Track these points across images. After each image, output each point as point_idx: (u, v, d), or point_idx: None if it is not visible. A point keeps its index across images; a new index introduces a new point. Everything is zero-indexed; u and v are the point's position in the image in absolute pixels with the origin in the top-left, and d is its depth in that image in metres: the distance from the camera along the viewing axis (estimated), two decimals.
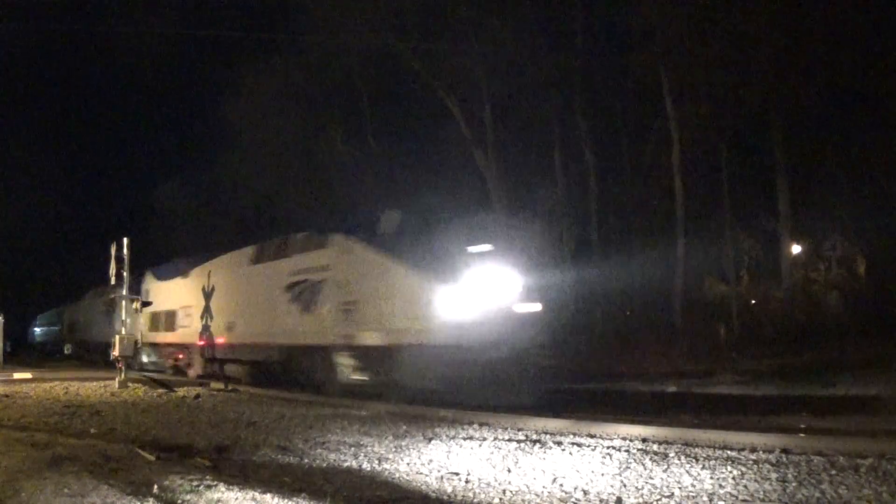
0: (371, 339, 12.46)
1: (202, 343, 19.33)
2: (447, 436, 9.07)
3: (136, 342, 17.42)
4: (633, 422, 9.57)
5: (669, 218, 25.25)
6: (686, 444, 7.99)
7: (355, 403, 13.19)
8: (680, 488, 6.04)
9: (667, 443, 8.11)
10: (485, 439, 8.73)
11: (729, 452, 7.43)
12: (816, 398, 12.17)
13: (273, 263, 16.32)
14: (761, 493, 5.81)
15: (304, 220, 32.63)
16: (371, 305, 12.52)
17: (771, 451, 7.33)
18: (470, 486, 6.36)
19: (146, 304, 21.54)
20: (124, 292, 18.27)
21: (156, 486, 5.70)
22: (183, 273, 21.75)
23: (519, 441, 8.52)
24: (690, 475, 6.46)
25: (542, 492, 6.09)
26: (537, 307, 12.66)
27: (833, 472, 6.38)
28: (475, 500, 5.88)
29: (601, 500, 5.78)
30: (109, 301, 26.77)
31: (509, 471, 6.92)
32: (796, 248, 26.20)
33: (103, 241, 19.39)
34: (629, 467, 6.89)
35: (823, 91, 20.79)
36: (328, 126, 31.02)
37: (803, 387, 13.68)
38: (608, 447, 7.92)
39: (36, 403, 12.64)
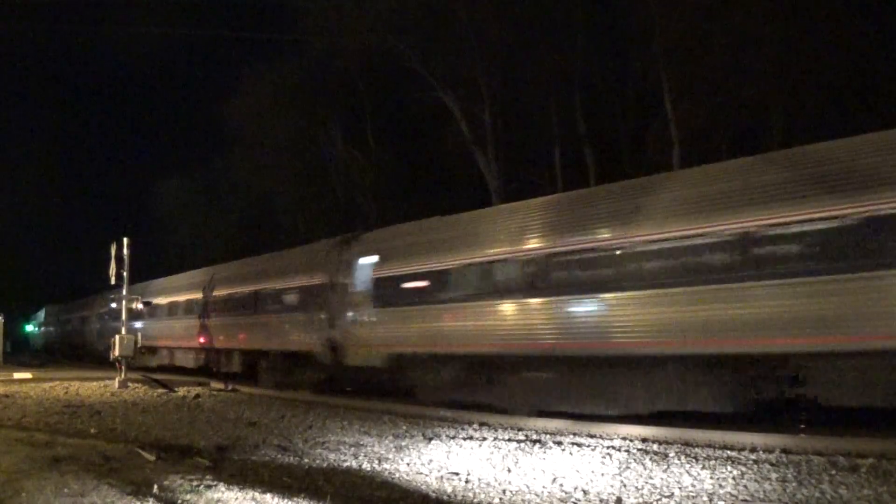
0: None
1: None
2: (447, 436, 9.07)
3: (135, 342, 17.34)
4: (633, 422, 9.57)
5: None
6: (686, 444, 8.00)
7: (354, 402, 13.21)
8: (680, 488, 6.04)
9: (667, 443, 8.12)
10: (485, 439, 8.73)
11: (729, 452, 7.44)
12: None
13: None
14: (761, 493, 5.81)
15: (303, 220, 32.77)
16: None
17: (771, 451, 7.34)
18: (470, 486, 6.36)
19: (146, 303, 21.34)
20: (124, 292, 18.26)
21: (156, 486, 5.70)
22: None
23: (519, 441, 8.52)
24: (690, 475, 6.46)
25: (542, 492, 6.09)
26: None
27: (833, 472, 6.39)
28: (475, 500, 5.88)
29: (601, 500, 5.78)
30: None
31: (509, 471, 6.92)
32: None
33: (104, 240, 18.72)
34: (629, 467, 6.89)
35: (823, 91, 20.77)
36: (328, 126, 31.05)
37: None
38: (608, 447, 7.92)
39: (36, 403, 12.63)
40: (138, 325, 25.62)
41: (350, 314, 14.40)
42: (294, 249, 19.29)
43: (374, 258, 14.15)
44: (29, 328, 58.98)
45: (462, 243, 12.40)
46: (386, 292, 13.49)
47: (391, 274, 13.50)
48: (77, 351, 35.99)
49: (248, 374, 18.61)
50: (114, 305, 26.75)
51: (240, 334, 19.00)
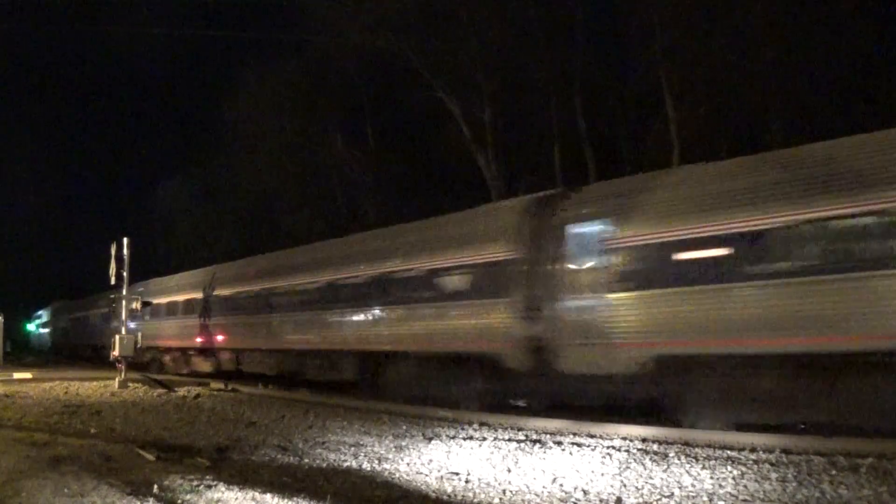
0: None
1: None
2: (447, 436, 9.07)
3: (135, 342, 17.33)
4: (632, 422, 9.56)
5: None
6: (686, 444, 7.99)
7: (354, 402, 13.20)
8: (680, 488, 6.04)
9: (667, 443, 8.11)
10: (485, 439, 8.73)
11: (729, 452, 7.43)
12: None
13: None
14: (761, 493, 5.81)
15: (304, 220, 32.75)
16: None
17: (771, 451, 7.34)
18: (470, 486, 6.35)
19: (146, 303, 21.30)
20: (124, 292, 18.25)
21: (156, 486, 5.70)
22: None
23: (519, 441, 8.52)
24: (690, 475, 6.46)
25: (542, 492, 6.09)
26: None
27: (833, 472, 6.39)
28: (475, 500, 5.87)
29: (601, 500, 5.78)
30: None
31: (509, 471, 6.92)
32: None
33: (104, 240, 18.58)
34: (629, 467, 6.89)
35: (823, 91, 20.80)
36: (328, 126, 31.10)
37: None
38: (608, 447, 7.91)
39: (36, 403, 12.64)
40: (190, 323, 22.30)
41: (569, 301, 10.56)
42: (444, 217, 14.78)
43: (605, 222, 10.42)
44: (30, 327, 58.91)
45: (817, 187, 8.40)
46: (642, 267, 9.82)
47: (654, 240, 9.72)
48: (99, 352, 33.31)
49: (366, 381, 14.78)
50: (155, 299, 23.34)
51: (357, 332, 14.93)
